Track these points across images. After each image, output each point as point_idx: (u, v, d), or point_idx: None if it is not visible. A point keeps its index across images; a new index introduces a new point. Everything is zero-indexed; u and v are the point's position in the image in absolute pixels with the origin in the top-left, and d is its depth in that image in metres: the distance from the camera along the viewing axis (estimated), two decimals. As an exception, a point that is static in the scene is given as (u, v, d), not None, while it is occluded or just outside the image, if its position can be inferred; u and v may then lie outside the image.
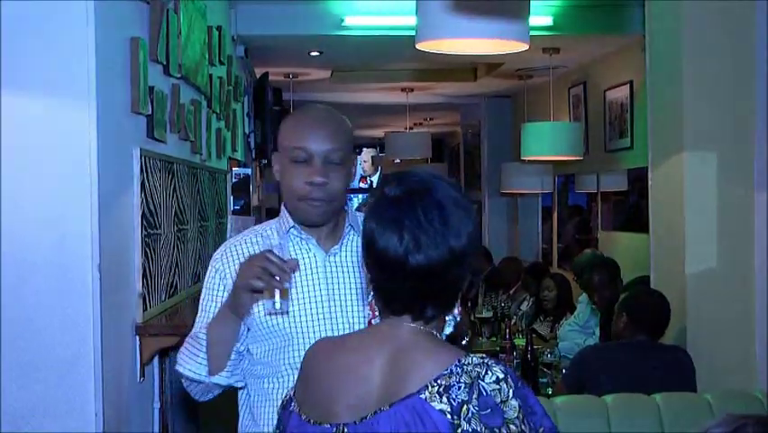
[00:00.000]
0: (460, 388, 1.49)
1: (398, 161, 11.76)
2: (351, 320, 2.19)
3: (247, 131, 7.11)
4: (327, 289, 2.21)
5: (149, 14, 3.40)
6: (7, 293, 2.75)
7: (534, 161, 7.57)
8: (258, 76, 7.61)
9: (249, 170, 6.47)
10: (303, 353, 1.78)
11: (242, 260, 2.13)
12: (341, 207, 2.24)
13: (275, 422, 1.86)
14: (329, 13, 6.06)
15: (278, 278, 1.97)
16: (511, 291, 7.06)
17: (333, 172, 2.15)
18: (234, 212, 5.80)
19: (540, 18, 5.94)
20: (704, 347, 3.94)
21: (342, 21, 6.05)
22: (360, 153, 17.74)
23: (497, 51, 3.72)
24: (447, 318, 1.66)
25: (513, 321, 5.98)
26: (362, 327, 2.11)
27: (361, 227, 1.65)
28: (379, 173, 17.28)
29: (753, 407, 3.20)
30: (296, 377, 1.77)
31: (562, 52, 6.90)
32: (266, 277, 1.96)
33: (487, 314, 6.27)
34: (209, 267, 2.28)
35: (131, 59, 3.16)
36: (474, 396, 1.49)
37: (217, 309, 2.16)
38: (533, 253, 9.17)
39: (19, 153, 2.76)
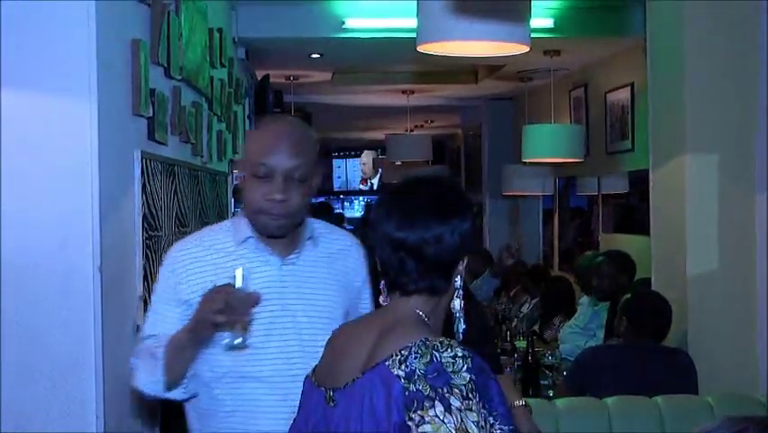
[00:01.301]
0: (416, 357, 1.66)
1: (399, 163, 11.75)
2: (300, 333, 2.23)
3: (248, 133, 7.11)
4: (280, 300, 2.24)
5: (150, 16, 3.40)
6: (8, 295, 2.74)
7: (535, 163, 7.56)
8: (259, 78, 7.61)
9: (250, 173, 6.46)
10: (253, 363, 2.17)
11: (198, 264, 2.23)
12: (301, 220, 2.30)
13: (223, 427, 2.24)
14: (330, 16, 6.07)
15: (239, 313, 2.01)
16: (511, 294, 7.06)
17: (294, 189, 2.18)
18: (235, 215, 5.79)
19: (541, 20, 5.94)
20: (705, 350, 3.94)
21: (343, 23, 6.05)
22: (359, 156, 17.75)
23: (497, 53, 3.72)
24: (456, 314, 1.87)
25: (514, 324, 5.98)
26: (313, 340, 2.16)
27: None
28: (379, 175, 17.27)
29: (754, 410, 3.20)
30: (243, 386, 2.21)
31: (563, 54, 6.90)
32: (229, 312, 1.98)
33: (488, 316, 6.26)
34: (164, 265, 2.29)
35: (132, 61, 3.16)
36: (424, 362, 1.66)
37: (170, 314, 2.22)
38: (534, 255, 9.17)
39: (19, 155, 2.76)
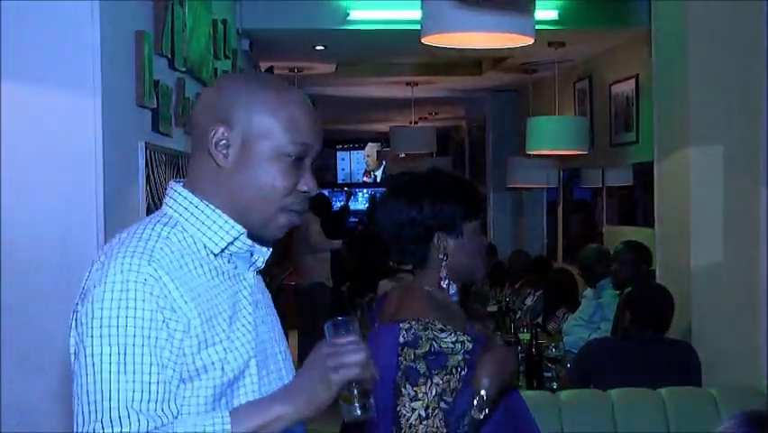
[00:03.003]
0: (418, 339, 2.15)
1: (403, 155, 11.74)
2: (282, 376, 1.68)
3: (252, 125, 7.10)
4: (267, 331, 1.68)
5: (154, 8, 3.40)
6: (11, 288, 2.75)
7: (540, 155, 7.55)
8: (263, 70, 7.60)
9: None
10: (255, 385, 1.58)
11: (183, 285, 1.52)
12: None
13: None
14: (334, 7, 6.06)
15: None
16: (516, 286, 7.06)
17: None
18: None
19: (545, 12, 5.93)
20: (709, 342, 3.94)
21: (348, 14, 6.04)
22: (363, 148, 17.73)
23: (502, 45, 3.71)
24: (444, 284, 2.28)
25: (518, 316, 5.98)
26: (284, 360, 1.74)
27: None
28: (383, 167, 17.26)
29: (757, 402, 3.20)
30: None
31: (568, 46, 6.88)
32: (369, 372, 1.53)
33: (492, 308, 6.27)
34: (129, 295, 1.47)
35: (136, 52, 3.16)
36: (425, 348, 2.14)
37: (167, 373, 1.47)
38: (537, 247, 9.16)
39: (23, 147, 2.76)
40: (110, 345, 1.45)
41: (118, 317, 1.46)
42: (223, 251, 1.61)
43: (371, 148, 17.33)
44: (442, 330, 2.14)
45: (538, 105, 8.67)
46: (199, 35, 4.16)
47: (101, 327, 1.46)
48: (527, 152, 7.19)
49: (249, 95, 1.61)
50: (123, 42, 3.07)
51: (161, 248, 1.53)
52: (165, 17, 3.44)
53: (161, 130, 3.42)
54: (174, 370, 1.49)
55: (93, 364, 1.44)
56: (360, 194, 17.86)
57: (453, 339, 2.13)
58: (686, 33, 3.99)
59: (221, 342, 1.54)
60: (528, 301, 6.54)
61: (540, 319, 5.94)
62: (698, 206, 3.97)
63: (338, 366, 1.50)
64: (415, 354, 2.13)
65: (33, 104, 2.76)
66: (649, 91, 4.86)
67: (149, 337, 1.46)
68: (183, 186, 1.64)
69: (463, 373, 2.12)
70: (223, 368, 1.53)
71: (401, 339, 2.16)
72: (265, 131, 1.59)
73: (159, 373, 1.46)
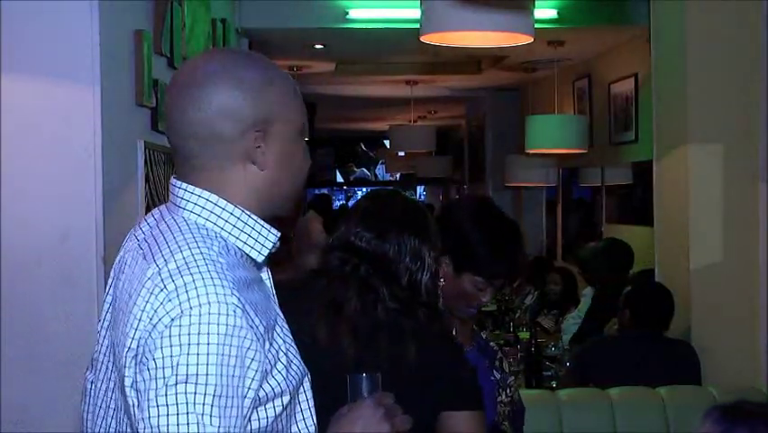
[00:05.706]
0: None
1: (403, 153, 11.72)
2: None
3: (251, 124, 7.08)
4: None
5: (153, 7, 3.40)
6: (11, 286, 2.75)
7: (539, 154, 7.55)
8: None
9: (253, 163, 6.44)
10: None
11: (257, 313, 1.36)
12: None
13: None
14: (333, 6, 6.05)
15: None
16: (515, 285, 7.06)
17: None
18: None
19: (545, 11, 5.92)
20: (708, 341, 3.93)
21: (347, 13, 6.03)
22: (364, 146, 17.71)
23: (501, 44, 3.71)
24: None
25: (517, 314, 5.98)
26: None
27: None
28: (382, 166, 17.24)
29: (757, 401, 3.20)
30: None
31: (567, 45, 6.88)
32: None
33: (491, 307, 6.26)
34: (227, 319, 1.30)
35: (135, 51, 3.16)
36: None
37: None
38: (537, 246, 9.16)
39: (23, 146, 2.76)
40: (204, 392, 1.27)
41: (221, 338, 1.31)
42: (265, 258, 1.49)
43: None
44: None
45: (537, 103, 8.67)
46: (198, 34, 4.16)
47: (197, 364, 1.28)
48: (527, 151, 7.18)
49: (258, 83, 1.47)
50: (123, 42, 3.07)
51: (220, 266, 1.35)
52: (164, 16, 3.44)
53: (161, 129, 3.42)
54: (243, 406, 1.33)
55: (186, 404, 1.26)
56: (359, 193, 17.85)
57: None
58: (685, 32, 3.99)
59: (280, 361, 1.40)
60: (528, 300, 6.54)
61: (541, 318, 5.95)
62: (697, 204, 3.97)
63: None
64: None
65: (33, 102, 2.76)
66: (648, 90, 4.86)
67: (240, 379, 1.31)
68: (211, 192, 1.48)
69: None
70: (283, 392, 1.40)
71: None
72: (285, 116, 1.49)
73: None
